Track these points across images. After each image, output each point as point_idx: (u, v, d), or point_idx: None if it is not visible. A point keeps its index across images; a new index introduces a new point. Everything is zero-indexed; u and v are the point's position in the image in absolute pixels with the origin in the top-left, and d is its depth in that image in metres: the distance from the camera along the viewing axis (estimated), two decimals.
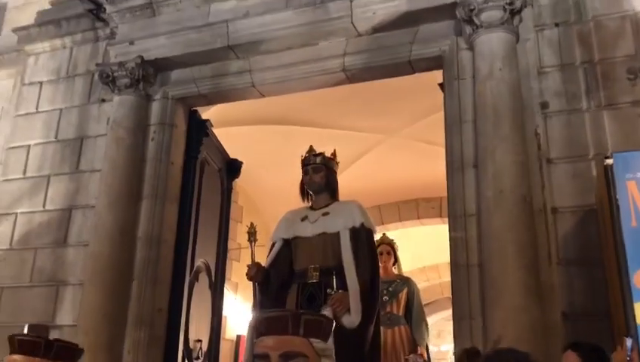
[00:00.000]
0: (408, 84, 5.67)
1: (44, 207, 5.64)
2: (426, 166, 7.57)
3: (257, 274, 4.14)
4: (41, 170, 5.79)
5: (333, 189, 4.41)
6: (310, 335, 1.45)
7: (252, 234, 4.25)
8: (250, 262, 4.22)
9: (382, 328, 4.86)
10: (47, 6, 6.45)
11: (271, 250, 4.37)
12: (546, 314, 3.75)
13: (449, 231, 4.28)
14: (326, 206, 4.31)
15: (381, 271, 5.33)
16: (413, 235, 10.33)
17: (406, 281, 5.76)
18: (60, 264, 5.36)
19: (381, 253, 5.56)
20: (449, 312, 4.29)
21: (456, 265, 4.14)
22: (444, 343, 14.22)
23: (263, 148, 7.87)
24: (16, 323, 5.23)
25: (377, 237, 5.31)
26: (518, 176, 3.97)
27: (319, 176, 4.35)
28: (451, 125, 4.46)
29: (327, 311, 3.64)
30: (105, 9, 5.65)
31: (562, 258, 3.92)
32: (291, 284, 4.19)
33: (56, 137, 5.85)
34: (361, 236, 4.07)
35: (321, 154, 4.47)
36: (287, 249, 4.30)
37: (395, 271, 5.88)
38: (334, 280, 3.90)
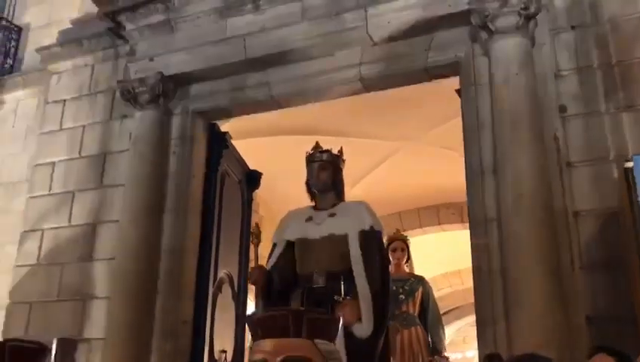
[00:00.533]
0: (425, 91, 5.68)
1: (69, 222, 5.76)
2: (446, 171, 7.56)
3: (260, 278, 3.86)
4: (66, 186, 5.91)
5: (339, 189, 4.15)
6: (315, 336, 1.27)
7: (256, 236, 3.98)
8: (253, 265, 3.99)
9: (398, 327, 4.91)
10: (69, 25, 6.60)
11: (272, 251, 4.09)
12: (570, 319, 3.73)
13: (470, 237, 4.28)
14: (332, 206, 4.04)
15: (393, 268, 5.28)
16: (435, 241, 10.30)
17: (420, 280, 5.57)
18: (87, 278, 5.45)
19: (394, 249, 5.50)
20: (474, 318, 4.23)
21: (478, 270, 4.14)
22: (470, 349, 14.11)
23: (281, 159, 7.92)
24: (45, 337, 5.32)
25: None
26: (538, 180, 3.96)
27: (326, 174, 4.08)
28: (469, 131, 4.47)
29: None
30: (124, 27, 5.76)
31: (585, 262, 3.90)
32: (294, 289, 3.91)
33: (80, 154, 5.97)
34: (371, 240, 3.82)
35: (328, 151, 4.20)
36: (290, 251, 4.01)
37: (407, 268, 5.69)
38: (342, 285, 3.65)
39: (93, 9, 6.05)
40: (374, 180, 8.82)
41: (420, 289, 5.42)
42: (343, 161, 4.25)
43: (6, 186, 6.88)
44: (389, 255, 5.27)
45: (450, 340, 15.89)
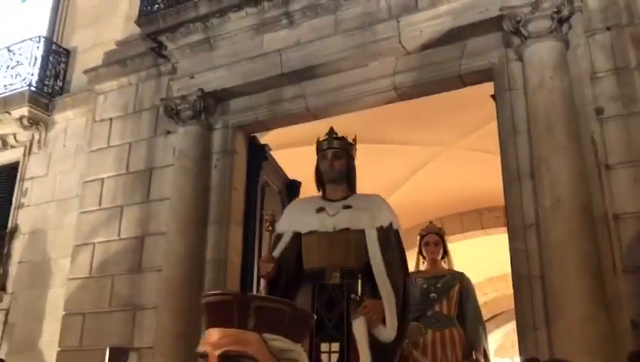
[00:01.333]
0: (462, 95, 5.69)
1: (118, 235, 5.99)
2: (487, 175, 7.51)
3: (271, 270, 3.45)
4: (114, 201, 6.15)
5: (352, 179, 3.72)
6: (264, 328, 1.05)
7: (271, 223, 3.47)
8: (266, 254, 3.54)
9: (429, 330, 4.49)
10: (113, 47, 6.88)
11: (276, 242, 3.63)
12: (614, 323, 3.69)
13: (509, 242, 4.28)
14: (345, 198, 3.62)
15: (428, 264, 4.93)
16: (479, 246, 10.20)
17: (458, 276, 4.85)
18: (136, 289, 5.66)
19: (427, 244, 4.94)
20: None
21: (517, 276, 4.13)
22: (518, 354, 13.86)
23: None
24: (98, 346, 5.58)
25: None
26: (576, 184, 3.94)
27: (340, 163, 3.64)
28: (505, 136, 4.47)
29: (358, 321, 3.22)
30: (166, 46, 5.99)
31: (628, 265, 3.85)
32: (301, 284, 3.53)
33: (127, 169, 6.21)
34: (391, 238, 3.47)
35: (343, 138, 3.77)
36: (296, 243, 3.58)
37: (444, 265, 5.03)
38: (359, 284, 3.29)
39: (136, 30, 6.30)
40: (415, 186, 8.83)
41: (457, 287, 4.72)
42: (356, 150, 3.82)
43: (59, 203, 7.20)
44: (423, 250, 4.99)
45: (498, 345, 15.67)
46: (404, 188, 8.88)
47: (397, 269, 3.39)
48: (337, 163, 3.64)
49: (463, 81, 4.88)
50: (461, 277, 4.85)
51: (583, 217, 3.87)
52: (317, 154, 3.77)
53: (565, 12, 4.23)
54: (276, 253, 3.55)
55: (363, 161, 6.28)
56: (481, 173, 7.96)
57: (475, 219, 9.76)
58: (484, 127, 7.03)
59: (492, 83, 4.74)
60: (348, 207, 3.56)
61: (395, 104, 5.47)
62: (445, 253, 5.03)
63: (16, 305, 7.09)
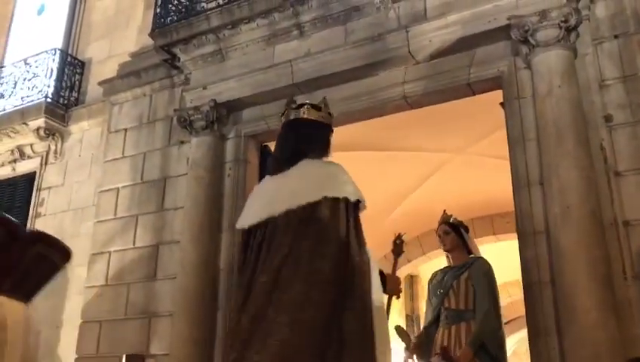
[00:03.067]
0: (472, 102, 5.73)
1: (134, 244, 6.09)
2: (498, 181, 7.51)
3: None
4: (129, 210, 6.25)
5: (316, 150, 2.58)
6: None
7: (398, 246, 3.07)
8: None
9: (439, 329, 4.05)
10: (127, 58, 7.00)
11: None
12: (625, 330, 3.72)
13: (519, 248, 4.31)
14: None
15: (451, 259, 4.34)
16: (491, 251, 10.18)
17: (468, 263, 4.19)
18: (151, 297, 5.75)
19: (439, 236, 4.41)
20: None
21: (528, 282, 4.17)
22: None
23: None
24: (114, 354, 5.67)
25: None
26: (585, 191, 3.98)
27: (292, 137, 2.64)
28: (514, 144, 4.52)
29: None
30: (179, 58, 6.10)
31: (638, 271, 3.87)
32: None
33: (141, 179, 6.32)
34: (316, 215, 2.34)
35: (302, 105, 2.70)
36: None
37: (465, 256, 4.33)
38: None
39: (150, 42, 6.42)
40: (426, 192, 8.86)
41: (464, 276, 4.08)
42: (330, 114, 2.77)
43: (75, 212, 7.33)
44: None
45: (512, 351, 15.59)
46: (416, 194, 8.92)
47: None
48: (287, 140, 2.65)
49: (472, 89, 4.93)
50: (472, 264, 4.17)
51: (593, 224, 3.90)
52: None
53: (573, 21, 4.27)
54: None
55: (374, 168, 6.34)
56: (491, 179, 7.97)
57: (486, 224, 9.75)
58: (494, 132, 7.05)
59: (501, 91, 4.78)
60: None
61: (405, 111, 5.52)
62: (464, 240, 4.38)
63: (35, 313, 7.21)
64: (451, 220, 4.46)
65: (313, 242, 2.23)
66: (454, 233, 4.35)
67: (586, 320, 3.68)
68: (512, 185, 4.47)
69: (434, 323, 4.17)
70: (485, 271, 4.09)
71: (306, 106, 2.67)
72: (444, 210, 4.69)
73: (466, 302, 4.04)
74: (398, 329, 4.25)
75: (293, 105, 2.72)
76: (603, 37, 4.43)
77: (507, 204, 8.09)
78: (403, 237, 3.16)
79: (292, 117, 2.67)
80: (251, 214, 2.49)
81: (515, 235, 4.47)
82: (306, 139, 2.59)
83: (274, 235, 2.32)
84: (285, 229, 2.29)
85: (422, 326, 4.39)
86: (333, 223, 2.29)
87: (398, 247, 3.15)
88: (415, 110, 5.61)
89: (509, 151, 4.55)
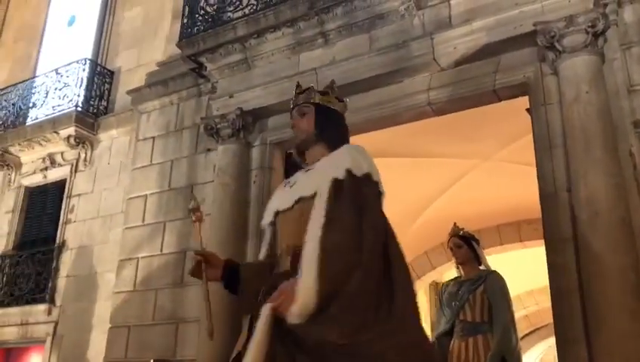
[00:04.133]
0: (498, 108, 5.69)
1: (161, 251, 6.18)
2: (525, 187, 7.42)
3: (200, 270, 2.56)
4: (157, 217, 6.35)
5: (331, 139, 2.53)
6: None
7: (194, 211, 2.69)
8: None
9: (455, 341, 4.13)
10: (155, 68, 7.13)
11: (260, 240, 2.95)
12: None
13: (546, 255, 4.27)
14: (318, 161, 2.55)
15: (462, 270, 4.46)
16: (519, 258, 10.09)
17: (483, 276, 4.29)
18: (179, 303, 5.82)
19: (451, 249, 4.51)
20: None
21: (556, 290, 4.12)
22: None
23: None
24: (142, 358, 5.76)
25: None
26: (614, 197, 3.93)
27: (305, 121, 2.58)
28: (541, 150, 4.48)
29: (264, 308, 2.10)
30: (206, 67, 6.19)
31: None
32: None
33: (169, 186, 6.41)
34: (345, 189, 2.25)
35: (309, 88, 2.67)
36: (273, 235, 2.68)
37: (476, 268, 4.47)
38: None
39: (177, 52, 6.53)
40: (452, 199, 8.81)
41: (480, 289, 4.18)
42: (340, 100, 2.71)
43: (104, 219, 7.48)
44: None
45: (540, 359, 15.37)
46: (442, 200, 8.88)
47: (344, 231, 2.11)
48: (302, 122, 2.59)
49: (498, 95, 4.90)
50: (487, 277, 4.28)
51: (622, 231, 3.85)
52: None
53: (600, 26, 4.23)
54: (261, 254, 2.73)
55: (400, 175, 6.31)
56: (518, 185, 7.90)
57: (513, 231, 9.66)
58: (521, 138, 7.00)
59: (527, 97, 4.75)
60: (309, 170, 2.57)
61: (431, 118, 5.51)
62: (476, 254, 4.51)
63: (65, 318, 7.37)
64: (462, 233, 4.57)
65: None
66: (466, 246, 4.48)
67: (616, 329, 3.62)
68: (539, 192, 4.43)
69: (447, 334, 4.28)
70: (502, 286, 4.25)
71: (309, 90, 2.61)
72: (455, 223, 4.76)
73: (482, 314, 4.16)
74: None
75: (298, 90, 2.63)
76: (631, 42, 4.38)
77: (534, 210, 8.01)
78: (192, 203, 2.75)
79: (297, 103, 2.59)
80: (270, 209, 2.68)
81: (543, 242, 4.43)
82: (318, 125, 2.54)
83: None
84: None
85: (433, 336, 4.43)
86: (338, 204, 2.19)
87: (194, 212, 2.72)
88: (443, 117, 5.61)
89: (536, 158, 4.52)
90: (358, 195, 2.20)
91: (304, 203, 2.39)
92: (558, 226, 4.18)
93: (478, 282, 4.25)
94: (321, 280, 1.96)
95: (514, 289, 10.98)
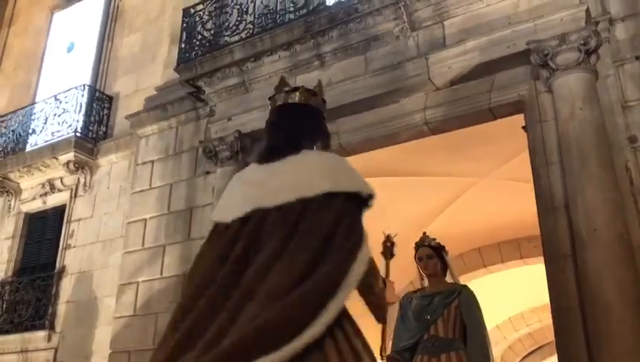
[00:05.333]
0: (494, 126, 5.73)
1: (161, 274, 6.17)
2: (524, 204, 7.45)
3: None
4: (157, 240, 6.35)
5: (298, 141, 2.15)
6: None
7: (389, 248, 2.84)
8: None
9: (424, 357, 3.78)
10: (153, 92, 7.19)
11: None
12: None
13: (546, 273, 4.27)
14: None
15: (427, 282, 4.14)
16: (520, 275, 10.06)
17: (455, 291, 3.99)
18: None
19: (420, 259, 4.13)
20: None
21: (556, 308, 4.12)
22: None
23: None
24: None
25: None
26: (611, 213, 3.94)
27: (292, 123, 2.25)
28: (538, 167, 4.51)
29: None
30: (204, 91, 6.25)
31: None
32: None
33: (168, 209, 6.42)
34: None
35: (297, 88, 2.34)
36: None
37: (448, 280, 4.21)
38: None
39: (175, 76, 6.59)
40: (451, 217, 8.81)
41: (455, 303, 3.89)
42: (323, 101, 2.44)
43: (104, 243, 7.47)
44: (418, 266, 4.18)
45: None
46: (440, 219, 8.88)
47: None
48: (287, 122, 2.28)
49: (494, 113, 4.95)
50: (461, 292, 3.99)
51: (621, 246, 3.85)
52: None
53: (593, 44, 4.29)
54: None
55: (397, 194, 6.30)
56: (517, 203, 7.91)
57: (513, 248, 9.64)
58: (518, 155, 7.03)
59: (522, 115, 4.79)
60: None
61: (428, 137, 5.55)
62: (445, 266, 4.18)
63: (64, 344, 7.32)
64: (433, 243, 4.22)
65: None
66: (437, 257, 4.14)
67: (619, 345, 3.61)
68: (537, 209, 4.45)
69: (408, 350, 3.89)
70: (476, 301, 3.97)
71: (301, 90, 2.32)
72: (424, 232, 4.44)
73: (454, 331, 3.86)
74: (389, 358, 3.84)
75: (286, 88, 2.34)
76: (624, 58, 4.43)
77: (534, 227, 8.01)
78: (393, 239, 2.84)
79: (285, 101, 2.29)
80: (236, 205, 2.04)
81: (543, 259, 4.43)
82: (306, 127, 2.23)
83: (262, 228, 1.91)
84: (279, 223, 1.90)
85: (392, 350, 3.94)
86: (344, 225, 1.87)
87: (388, 249, 2.94)
88: (438, 135, 5.65)
89: (533, 175, 4.55)
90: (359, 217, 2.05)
91: None
92: (557, 243, 4.19)
93: (452, 296, 3.92)
94: None
95: (517, 307, 11.00)
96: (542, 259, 4.61)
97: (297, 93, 2.30)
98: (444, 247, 4.23)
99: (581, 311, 3.90)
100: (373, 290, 1.99)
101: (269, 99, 2.35)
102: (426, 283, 4.13)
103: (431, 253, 4.11)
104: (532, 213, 5.99)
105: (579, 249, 3.98)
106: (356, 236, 1.86)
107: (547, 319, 12.18)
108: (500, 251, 9.74)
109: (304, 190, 1.91)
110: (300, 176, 1.99)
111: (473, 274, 9.50)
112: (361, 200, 1.99)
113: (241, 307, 1.69)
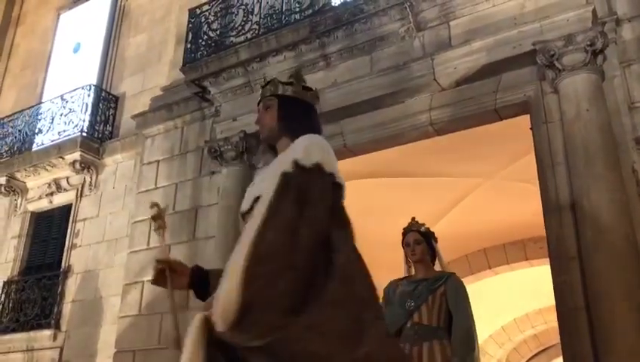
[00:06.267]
0: (501, 127, 5.71)
1: None
2: (529, 205, 7.42)
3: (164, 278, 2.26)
4: None
5: (295, 130, 2.21)
6: None
7: (155, 219, 2.36)
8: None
9: (406, 345, 3.58)
10: (159, 92, 7.20)
11: None
12: None
13: (552, 274, 4.25)
14: None
15: (414, 269, 3.96)
16: (526, 277, 10.03)
17: (442, 278, 3.80)
18: (184, 326, 5.77)
19: (408, 244, 3.96)
20: None
21: (562, 309, 4.10)
22: None
23: (361, 201, 8.09)
24: None
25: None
26: (617, 214, 3.92)
27: (268, 115, 2.31)
28: (544, 168, 4.49)
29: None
30: (209, 91, 6.26)
31: None
32: None
33: (173, 209, 6.43)
34: (289, 181, 1.97)
35: (272, 80, 2.37)
36: None
37: (432, 268, 3.98)
38: None
39: (181, 76, 6.60)
40: (457, 218, 8.79)
41: (440, 290, 3.71)
42: (308, 89, 2.39)
43: (109, 243, 7.49)
44: (405, 252, 4.01)
45: None
46: (446, 220, 8.85)
47: (276, 224, 1.90)
48: (265, 116, 2.32)
49: (499, 114, 4.93)
50: (447, 279, 3.80)
51: (627, 247, 3.84)
52: None
53: (599, 44, 4.27)
54: None
55: (403, 194, 6.27)
56: (523, 204, 7.88)
57: (519, 250, 9.61)
58: (524, 157, 7.00)
59: (528, 115, 4.77)
60: (266, 167, 2.41)
61: (434, 138, 5.53)
62: (434, 254, 4.01)
63: (70, 343, 7.34)
64: (422, 229, 4.06)
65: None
66: (425, 243, 3.96)
67: (624, 347, 3.60)
68: (543, 210, 4.43)
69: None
70: (463, 289, 3.78)
71: (273, 81, 2.31)
72: (413, 217, 4.23)
73: (438, 318, 3.67)
74: None
75: (263, 83, 2.32)
76: (631, 59, 4.41)
77: (539, 228, 7.98)
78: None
79: (263, 95, 2.30)
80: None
81: (548, 260, 4.41)
82: (280, 119, 2.24)
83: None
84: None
85: None
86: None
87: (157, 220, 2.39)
88: (444, 136, 5.64)
89: (539, 176, 4.53)
90: (303, 188, 1.95)
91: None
92: (563, 244, 4.17)
93: (437, 282, 3.74)
94: (244, 284, 1.80)
95: (522, 309, 10.95)
96: (547, 260, 4.58)
97: (270, 85, 2.32)
98: (433, 234, 4.07)
99: (587, 312, 3.89)
100: None
101: (309, 89, 2.38)
102: (413, 271, 3.95)
103: (419, 238, 3.95)
104: (537, 213, 5.97)
105: (584, 250, 3.96)
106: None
107: (553, 321, 12.13)
108: (506, 252, 9.71)
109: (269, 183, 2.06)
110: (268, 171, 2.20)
111: (478, 276, 9.48)
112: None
113: None
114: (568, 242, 4.14)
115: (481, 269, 9.63)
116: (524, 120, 4.92)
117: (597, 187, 4.00)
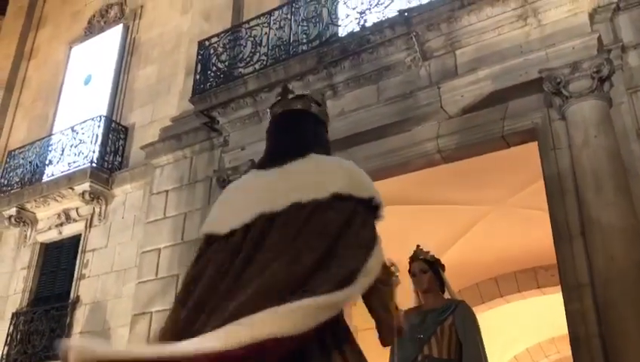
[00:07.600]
0: (509, 153, 5.72)
1: None
2: (540, 233, 7.37)
3: None
4: (170, 270, 6.35)
5: (305, 145, 1.96)
6: None
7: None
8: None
9: None
10: (168, 123, 7.27)
11: None
12: None
13: (564, 302, 4.20)
14: None
15: (421, 298, 3.85)
16: (538, 305, 9.90)
17: (450, 308, 3.71)
18: None
19: (414, 274, 3.84)
20: None
21: (575, 337, 4.04)
22: None
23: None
24: None
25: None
26: (629, 240, 3.89)
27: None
28: (553, 195, 4.48)
29: None
30: (218, 121, 6.31)
31: None
32: None
33: (182, 239, 6.44)
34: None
35: (303, 96, 2.18)
36: None
37: (441, 296, 3.89)
38: None
39: (190, 107, 6.67)
40: (466, 246, 8.72)
41: (448, 321, 3.63)
42: (326, 114, 2.20)
43: (118, 273, 7.48)
44: (412, 282, 3.86)
45: None
46: (455, 248, 8.79)
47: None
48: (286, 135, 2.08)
49: (507, 141, 4.94)
50: (457, 308, 3.70)
51: (639, 274, 3.78)
52: None
53: (605, 71, 4.29)
54: None
55: (412, 223, 6.25)
56: (533, 231, 7.83)
57: (530, 277, 9.50)
58: (534, 183, 6.97)
59: (536, 142, 4.77)
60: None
61: (439, 166, 5.53)
62: (441, 282, 3.88)
63: None
64: (428, 257, 3.93)
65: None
66: (431, 271, 3.83)
67: None
68: (553, 238, 4.40)
69: None
70: (473, 318, 3.68)
71: (308, 97, 2.16)
72: (418, 245, 4.09)
73: (449, 350, 3.58)
74: None
75: (291, 95, 2.16)
76: (637, 85, 4.42)
77: (550, 256, 7.90)
78: (392, 268, 2.53)
79: (291, 106, 2.10)
80: (236, 214, 1.82)
81: (560, 289, 4.36)
82: (312, 134, 2.05)
83: (268, 233, 1.71)
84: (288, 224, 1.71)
85: None
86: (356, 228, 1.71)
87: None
88: (452, 163, 5.63)
89: (548, 203, 4.51)
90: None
91: None
92: (574, 272, 4.13)
93: (446, 313, 3.65)
94: None
95: (535, 338, 10.79)
96: (559, 288, 4.48)
97: (304, 100, 2.13)
98: (439, 261, 3.97)
99: (600, 340, 3.82)
100: (387, 306, 1.82)
101: (271, 107, 2.15)
102: (422, 300, 3.83)
103: (425, 267, 3.83)
104: (548, 241, 5.92)
105: (596, 277, 3.92)
106: (370, 234, 1.70)
107: (566, 350, 11.91)
108: (517, 280, 9.60)
109: (315, 191, 1.73)
110: (310, 177, 1.82)
111: (490, 304, 9.36)
112: (372, 208, 1.80)
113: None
114: (580, 269, 4.09)
115: (493, 297, 9.52)
116: (533, 147, 4.92)
117: (607, 213, 3.97)
